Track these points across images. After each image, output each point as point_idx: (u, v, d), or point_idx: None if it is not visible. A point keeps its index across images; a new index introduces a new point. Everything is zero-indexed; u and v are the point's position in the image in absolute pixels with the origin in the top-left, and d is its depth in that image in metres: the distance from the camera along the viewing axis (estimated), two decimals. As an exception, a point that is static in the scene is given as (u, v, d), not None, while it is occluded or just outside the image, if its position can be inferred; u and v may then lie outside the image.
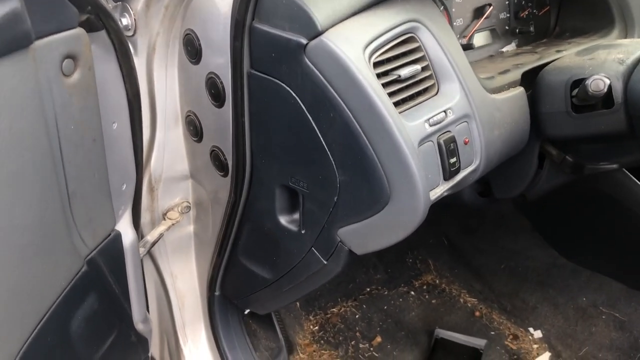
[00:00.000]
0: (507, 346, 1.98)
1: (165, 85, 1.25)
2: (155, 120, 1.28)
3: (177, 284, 1.47)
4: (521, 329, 2.04)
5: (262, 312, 1.45)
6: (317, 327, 2.01)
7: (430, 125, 1.02)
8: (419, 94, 1.07)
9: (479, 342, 1.91)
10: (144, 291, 1.21)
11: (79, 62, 0.88)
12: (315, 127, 1.01)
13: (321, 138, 1.01)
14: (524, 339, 2.01)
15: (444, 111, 1.05)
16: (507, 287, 2.12)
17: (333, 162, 1.02)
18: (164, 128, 1.29)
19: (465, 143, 1.09)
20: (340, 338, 1.97)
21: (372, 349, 1.95)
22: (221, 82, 1.12)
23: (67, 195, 0.91)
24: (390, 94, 1.00)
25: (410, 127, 0.98)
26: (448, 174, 1.05)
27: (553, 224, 1.92)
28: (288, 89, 1.01)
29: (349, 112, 0.97)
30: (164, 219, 1.35)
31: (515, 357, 1.94)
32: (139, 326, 1.21)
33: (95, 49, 0.96)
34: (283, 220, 1.17)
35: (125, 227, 1.12)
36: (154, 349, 1.57)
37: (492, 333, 2.03)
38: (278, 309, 1.58)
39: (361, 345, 1.95)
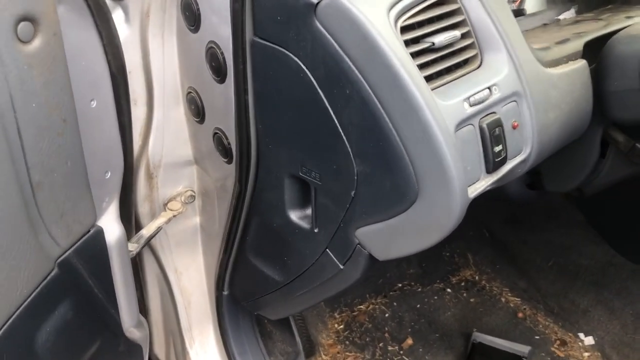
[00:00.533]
0: (553, 353, 1.78)
1: (163, 58, 1.08)
2: (153, 98, 1.11)
3: (182, 281, 1.32)
4: (570, 334, 1.83)
5: (274, 318, 1.29)
6: (342, 326, 1.85)
7: (471, 105, 0.83)
8: (457, 66, 0.88)
9: (521, 349, 1.71)
10: (135, 293, 1.06)
11: (39, 26, 0.73)
12: (329, 106, 0.83)
13: (335, 120, 0.83)
14: (573, 346, 1.79)
15: (488, 88, 0.86)
16: (555, 286, 1.90)
17: (349, 149, 0.84)
18: (162, 107, 1.13)
19: (514, 127, 0.89)
20: (368, 339, 1.80)
21: (402, 352, 1.77)
22: (222, 53, 0.95)
23: (31, 187, 0.76)
24: (421, 66, 0.81)
25: (445, 107, 0.79)
26: (492, 166, 0.85)
27: (612, 219, 1.70)
28: (296, 59, 0.84)
29: (368, 88, 0.78)
30: (165, 209, 1.20)
31: (563, 366, 1.74)
32: (131, 333, 1.07)
33: (65, 12, 0.80)
34: (293, 215, 1.01)
35: (109, 222, 0.97)
36: (159, 350, 1.43)
37: (537, 338, 1.82)
38: (291, 314, 1.42)
39: (390, 348, 1.78)
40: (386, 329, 1.84)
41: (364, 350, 1.76)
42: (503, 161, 0.87)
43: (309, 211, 0.99)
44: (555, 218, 1.96)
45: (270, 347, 1.40)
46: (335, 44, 0.78)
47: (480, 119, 0.84)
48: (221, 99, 1.01)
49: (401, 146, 0.79)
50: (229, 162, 1.07)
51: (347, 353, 1.75)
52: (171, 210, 1.19)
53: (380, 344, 1.78)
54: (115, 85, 0.92)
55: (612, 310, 1.79)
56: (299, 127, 0.89)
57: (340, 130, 0.84)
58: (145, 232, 1.13)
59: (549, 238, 1.98)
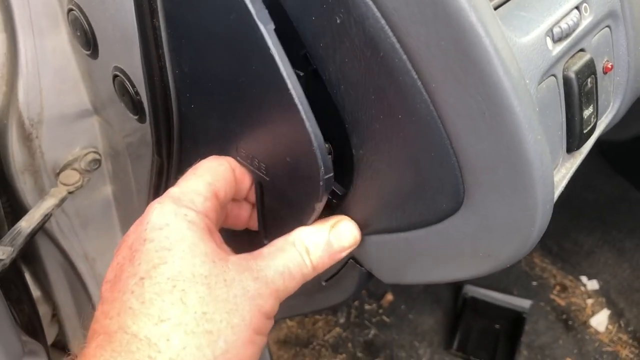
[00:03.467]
0: (552, 301, 1.55)
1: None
2: (13, 19, 0.70)
3: (97, 268, 0.97)
4: (570, 277, 1.59)
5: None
6: (309, 283, 1.55)
7: (555, 41, 0.47)
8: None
9: (521, 303, 1.46)
10: (12, 325, 0.71)
11: None
12: (304, 53, 0.46)
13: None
14: (574, 291, 1.56)
15: (577, 7, 0.49)
16: (554, 223, 1.60)
17: (345, 123, 0.48)
18: (30, 33, 0.72)
19: (605, 71, 0.54)
20: (340, 298, 1.52)
21: (381, 310, 1.50)
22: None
23: None
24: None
25: (521, 49, 0.43)
26: (577, 141, 0.51)
27: (629, 147, 1.39)
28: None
29: (377, 13, 0.41)
30: (57, 183, 0.82)
31: (564, 316, 1.51)
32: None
33: None
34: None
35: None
36: (79, 349, 1.10)
37: (534, 283, 1.58)
38: None
39: (367, 307, 1.50)
40: (362, 283, 1.56)
41: (336, 311, 1.48)
42: (592, 131, 0.53)
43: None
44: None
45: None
46: None
47: (565, 63, 0.49)
48: (118, 22, 0.61)
49: (438, 122, 0.43)
50: (141, 120, 0.69)
51: (317, 316, 1.46)
52: (65, 184, 0.81)
53: (356, 303, 1.51)
54: None
55: (621, 252, 1.55)
56: (234, 83, 0.51)
57: (326, 90, 0.47)
58: (25, 224, 0.76)
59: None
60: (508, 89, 0.39)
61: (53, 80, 0.76)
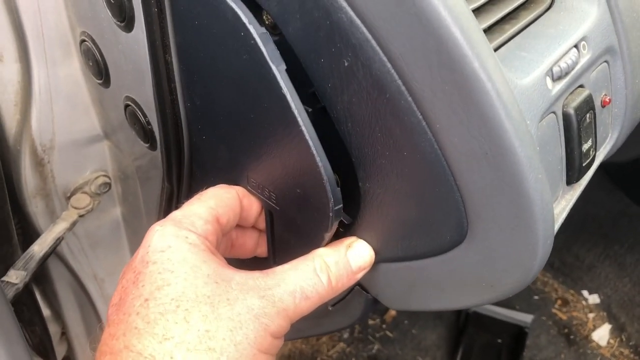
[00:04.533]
0: (554, 315, 1.56)
1: (35, -15, 0.69)
2: (27, 49, 0.72)
3: (106, 288, 0.99)
4: (572, 292, 1.61)
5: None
6: (313, 298, 1.57)
7: (554, 80, 0.48)
8: (519, 9, 0.52)
9: (523, 318, 1.48)
10: (23, 343, 0.72)
11: None
12: (312, 91, 0.48)
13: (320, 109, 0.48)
14: (576, 306, 1.58)
15: (575, 46, 0.51)
16: (556, 238, 1.63)
17: (351, 157, 0.50)
18: (45, 61, 0.74)
19: (604, 105, 0.56)
20: (344, 313, 1.53)
21: (384, 326, 1.51)
22: (124, -19, 0.57)
23: None
24: (475, 12, 0.46)
25: (521, 90, 0.45)
26: (576, 174, 0.53)
27: (631, 162, 1.41)
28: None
29: (384, 57, 0.43)
30: (67, 205, 0.84)
31: (565, 330, 1.52)
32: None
33: None
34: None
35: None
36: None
37: (536, 298, 1.60)
38: None
39: (371, 322, 1.52)
40: (365, 298, 1.58)
41: (340, 326, 1.49)
42: (591, 163, 0.54)
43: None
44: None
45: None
46: (323, -23, 0.42)
47: (565, 100, 0.50)
48: (130, 56, 0.63)
49: (442, 160, 0.45)
50: (152, 148, 0.70)
51: (321, 331, 1.47)
52: (76, 208, 0.83)
53: (359, 318, 1.52)
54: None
55: (622, 266, 1.56)
56: (245, 117, 0.53)
57: (334, 126, 0.49)
58: (38, 248, 0.77)
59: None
60: (509, 131, 0.41)
61: (65, 107, 0.78)
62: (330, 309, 0.67)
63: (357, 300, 0.63)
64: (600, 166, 1.44)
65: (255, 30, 0.46)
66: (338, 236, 0.59)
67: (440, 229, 0.49)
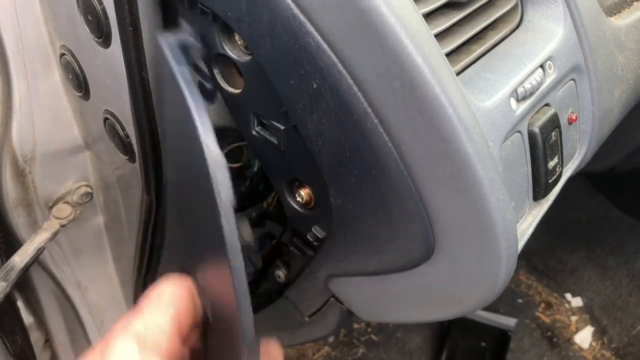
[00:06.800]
0: (538, 318, 1.58)
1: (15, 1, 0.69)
2: (7, 62, 0.73)
3: (89, 296, 0.99)
4: (555, 295, 1.63)
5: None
6: (299, 302, 1.58)
7: (519, 101, 0.50)
8: (486, 29, 0.53)
9: (506, 322, 1.49)
10: (4, 352, 0.73)
11: None
12: (284, 110, 0.49)
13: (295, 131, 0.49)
14: (559, 309, 1.60)
15: (541, 66, 0.52)
16: (540, 242, 1.67)
17: (322, 174, 0.51)
18: (24, 74, 0.74)
19: (570, 122, 0.57)
20: (329, 316, 1.55)
21: (369, 329, 1.52)
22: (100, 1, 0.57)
23: None
24: (438, 37, 0.47)
25: (484, 113, 0.46)
26: (543, 190, 0.54)
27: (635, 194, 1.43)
28: (222, 23, 0.48)
29: (351, 81, 0.44)
30: (49, 216, 0.85)
31: (548, 333, 1.54)
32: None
33: None
34: (232, 246, 0.67)
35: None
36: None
37: (520, 301, 1.61)
38: None
39: (356, 326, 1.53)
40: (350, 301, 1.59)
41: (325, 330, 1.50)
42: (557, 180, 0.56)
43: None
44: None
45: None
46: (291, 3, 0.43)
47: (530, 119, 0.52)
48: (108, 69, 0.64)
49: (408, 180, 0.46)
50: (131, 160, 0.71)
51: (307, 335, 1.48)
52: (57, 218, 0.84)
53: (345, 322, 1.53)
54: None
55: (604, 269, 1.58)
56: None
57: (305, 144, 0.50)
58: (19, 259, 0.78)
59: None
60: (471, 154, 0.42)
61: (46, 118, 0.79)
62: (307, 320, 0.68)
63: (332, 312, 0.64)
64: (582, 173, 1.46)
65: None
66: (314, 249, 0.60)
67: (408, 245, 0.50)
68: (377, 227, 0.51)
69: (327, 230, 0.57)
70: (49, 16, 0.71)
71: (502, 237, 0.45)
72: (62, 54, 0.71)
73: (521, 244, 0.52)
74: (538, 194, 0.54)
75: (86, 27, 0.62)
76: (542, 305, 1.60)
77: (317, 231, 0.58)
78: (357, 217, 0.52)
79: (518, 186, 0.52)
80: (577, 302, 1.60)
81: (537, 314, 1.58)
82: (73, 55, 0.70)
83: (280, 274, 0.69)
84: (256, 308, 0.75)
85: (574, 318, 1.57)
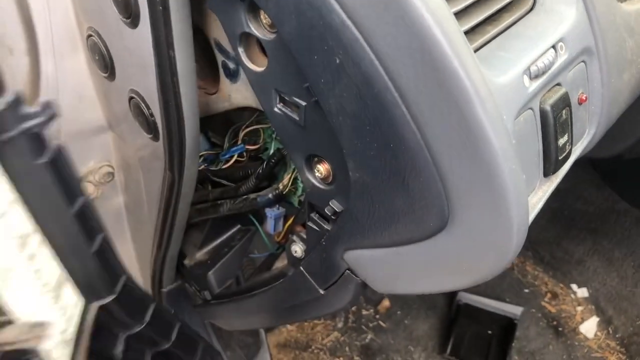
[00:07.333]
0: (544, 308, 1.60)
1: (44, -18, 0.72)
2: (36, 43, 0.76)
3: (108, 274, 1.02)
4: (561, 285, 1.64)
5: (228, 329, 1.01)
6: (308, 289, 1.60)
7: (532, 79, 0.52)
8: (501, 11, 0.56)
9: (513, 310, 1.51)
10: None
11: None
12: (307, 86, 0.51)
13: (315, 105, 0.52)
14: (565, 299, 1.62)
15: (553, 47, 0.55)
16: (547, 233, 1.69)
17: (342, 150, 0.53)
18: (52, 55, 0.77)
19: (580, 102, 0.60)
20: (338, 303, 1.57)
21: (377, 316, 1.55)
22: (129, -20, 0.60)
23: None
24: (456, 15, 0.49)
25: (499, 88, 0.48)
26: (553, 166, 0.56)
27: (618, 160, 1.44)
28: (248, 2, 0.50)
29: (373, 57, 0.46)
30: (72, 194, 0.87)
31: (554, 322, 1.56)
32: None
33: None
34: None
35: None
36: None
37: (526, 291, 1.63)
38: (251, 328, 1.15)
39: (365, 312, 1.56)
40: (359, 289, 1.61)
41: (335, 316, 1.53)
42: (567, 157, 0.58)
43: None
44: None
45: (226, 339, 1.14)
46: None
47: (542, 97, 0.54)
48: (135, 50, 0.66)
49: (425, 151, 0.48)
50: (155, 139, 0.74)
51: (316, 321, 1.51)
52: (81, 196, 0.86)
53: (354, 308, 1.56)
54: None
55: (610, 261, 1.60)
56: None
57: (320, 122, 0.52)
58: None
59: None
60: (485, 125, 0.45)
61: (71, 99, 0.81)
62: (322, 293, 0.70)
63: (348, 284, 0.67)
64: (589, 164, 1.47)
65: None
66: (331, 222, 0.63)
67: (423, 216, 0.53)
68: (394, 199, 0.53)
69: (345, 204, 0.60)
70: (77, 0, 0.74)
71: (514, 206, 0.48)
72: (89, 36, 0.74)
73: (531, 216, 0.55)
74: (548, 169, 0.56)
75: (115, 9, 0.65)
76: (548, 295, 1.63)
77: (335, 205, 0.61)
78: (375, 190, 0.54)
79: (529, 161, 0.54)
80: (582, 292, 1.62)
81: (543, 303, 1.60)
82: (100, 37, 0.72)
83: (297, 248, 0.72)
84: (271, 282, 0.78)
85: (579, 308, 1.59)
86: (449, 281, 0.57)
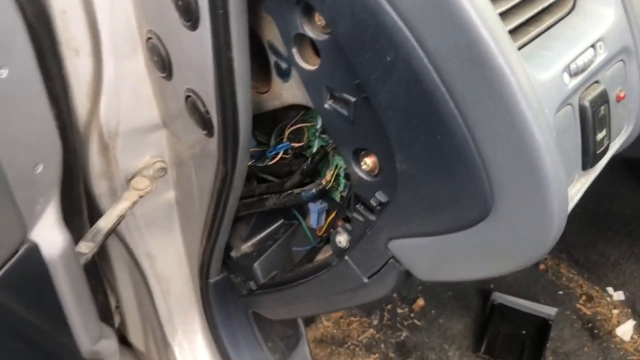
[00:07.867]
0: (579, 310, 1.60)
1: (109, -11, 0.77)
2: (100, 45, 0.81)
3: (158, 265, 1.07)
4: (596, 288, 1.65)
5: (273, 318, 1.06)
6: (344, 287, 1.64)
7: (572, 76, 0.55)
8: (542, 12, 0.59)
9: (547, 311, 1.52)
10: (93, 307, 0.82)
11: None
12: (357, 82, 0.55)
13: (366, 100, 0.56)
14: (600, 302, 1.62)
15: (592, 46, 0.57)
16: (582, 235, 1.70)
17: (390, 140, 0.57)
18: (114, 56, 0.83)
19: (619, 100, 0.62)
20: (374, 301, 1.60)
21: (412, 314, 1.58)
22: (191, -14, 0.65)
23: None
24: (500, 16, 0.53)
25: (541, 84, 0.52)
26: (591, 160, 0.59)
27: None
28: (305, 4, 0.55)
29: (422, 54, 0.50)
30: (128, 187, 0.93)
31: (589, 324, 1.56)
32: (92, 354, 0.84)
33: None
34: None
35: (47, 231, 0.71)
36: (136, 339, 1.22)
37: (560, 293, 1.64)
38: (295, 317, 1.19)
39: (399, 310, 1.58)
40: (394, 288, 1.64)
41: (370, 314, 1.57)
42: (605, 152, 0.61)
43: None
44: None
45: (267, 330, 1.19)
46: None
47: (582, 93, 0.57)
48: (193, 51, 0.71)
49: (470, 143, 0.52)
50: (209, 135, 0.79)
51: (352, 318, 1.55)
52: (136, 189, 0.92)
53: (389, 306, 1.59)
54: (36, 39, 0.63)
55: (647, 264, 1.60)
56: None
57: (369, 116, 0.56)
58: (104, 224, 0.87)
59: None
60: (529, 118, 0.48)
61: (130, 98, 0.87)
62: (365, 281, 0.74)
63: (391, 272, 0.70)
64: (626, 165, 1.47)
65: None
66: (376, 213, 0.66)
67: (467, 205, 0.56)
68: (439, 189, 0.57)
69: (390, 195, 0.64)
70: (138, 3, 0.79)
71: (555, 196, 0.51)
72: (149, 38, 0.79)
73: (570, 206, 0.57)
74: (587, 163, 0.59)
75: (175, 12, 0.70)
76: (583, 297, 1.63)
77: (381, 196, 0.64)
78: (421, 181, 0.58)
79: (569, 154, 0.57)
80: (618, 295, 1.61)
81: (578, 306, 1.61)
82: (159, 39, 0.77)
83: (342, 239, 0.76)
84: (316, 272, 0.81)
85: (615, 311, 1.59)
86: (489, 268, 0.60)
